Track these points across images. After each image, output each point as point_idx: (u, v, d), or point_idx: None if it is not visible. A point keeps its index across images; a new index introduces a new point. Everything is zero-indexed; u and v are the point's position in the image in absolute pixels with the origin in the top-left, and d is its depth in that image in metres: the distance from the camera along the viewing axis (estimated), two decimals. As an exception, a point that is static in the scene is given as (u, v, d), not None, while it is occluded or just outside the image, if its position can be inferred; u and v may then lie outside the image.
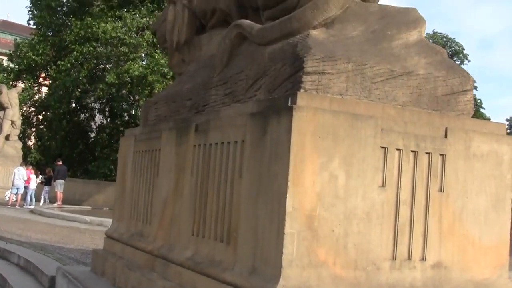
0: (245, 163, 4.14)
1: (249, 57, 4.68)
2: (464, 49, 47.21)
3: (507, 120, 56.29)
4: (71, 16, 32.34)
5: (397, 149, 3.96)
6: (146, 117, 6.83)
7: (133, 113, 35.89)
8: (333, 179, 3.75)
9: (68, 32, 31.43)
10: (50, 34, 35.15)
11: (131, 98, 34.85)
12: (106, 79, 25.66)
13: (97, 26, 27.87)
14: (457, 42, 46.77)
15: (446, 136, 4.12)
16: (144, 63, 26.32)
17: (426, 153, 4.05)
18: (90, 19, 28.68)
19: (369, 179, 3.87)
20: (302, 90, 3.89)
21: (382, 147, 3.90)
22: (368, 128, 3.84)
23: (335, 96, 3.96)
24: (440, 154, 4.09)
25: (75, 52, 30.23)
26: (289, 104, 3.76)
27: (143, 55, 28.31)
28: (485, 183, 4.27)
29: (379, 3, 4.83)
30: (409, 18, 4.52)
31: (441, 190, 4.10)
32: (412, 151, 4.01)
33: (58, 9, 35.05)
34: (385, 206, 3.93)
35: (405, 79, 4.20)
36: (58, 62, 31.79)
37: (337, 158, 3.76)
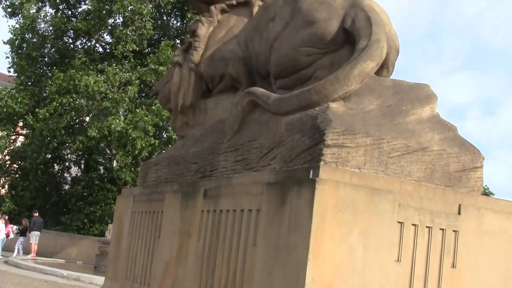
0: (260, 232, 4.14)
1: (263, 125, 4.73)
2: (439, 117, 48.06)
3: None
4: (54, 67, 32.36)
5: (413, 224, 4.00)
6: (145, 178, 6.81)
7: (109, 166, 35.68)
8: (352, 252, 3.76)
9: (50, 83, 31.40)
10: (30, 84, 35.08)
11: (108, 152, 34.70)
12: (88, 133, 25.55)
13: (79, 78, 27.88)
14: (432, 110, 47.64)
15: (459, 213, 4.17)
16: (125, 118, 26.25)
17: (440, 229, 4.09)
18: (73, 71, 28.70)
19: (385, 253, 3.89)
20: (322, 163, 3.93)
21: (399, 222, 3.94)
22: (387, 203, 3.89)
23: (354, 170, 4.01)
24: (454, 231, 4.14)
25: (54, 103, 30.10)
26: (311, 176, 3.80)
27: (121, 111, 28.24)
28: (495, 260, 4.31)
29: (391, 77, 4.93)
30: (422, 94, 4.63)
31: (453, 266, 4.13)
32: (427, 227, 4.05)
33: (40, 59, 35.08)
34: (400, 280, 3.94)
35: (420, 155, 4.28)
36: (37, 110, 31.61)
37: (356, 231, 3.78)
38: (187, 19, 29.93)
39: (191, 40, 6.49)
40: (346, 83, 4.22)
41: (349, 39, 4.65)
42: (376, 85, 4.56)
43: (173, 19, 32.45)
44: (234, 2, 6.25)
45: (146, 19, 26.75)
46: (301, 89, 4.44)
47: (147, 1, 27.04)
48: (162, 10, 30.51)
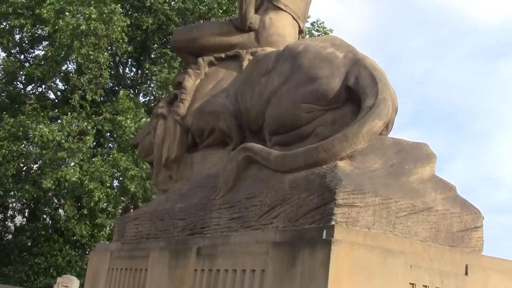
0: (266, 294, 3.99)
1: (263, 182, 4.62)
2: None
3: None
4: (4, 112, 31.52)
5: (424, 286, 3.93)
6: (122, 233, 6.57)
7: (55, 216, 34.60)
8: (366, 316, 3.65)
9: (-2, 128, 30.50)
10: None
11: (56, 201, 33.73)
12: (43, 185, 24.76)
13: (30, 126, 27.14)
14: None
15: (466, 273, 4.13)
16: (80, 168, 25.55)
17: (449, 290, 4.04)
18: (23, 117, 27.98)
19: (398, 317, 3.79)
20: (333, 223, 3.84)
21: (411, 283, 3.87)
22: (399, 264, 3.81)
23: (363, 230, 3.93)
24: (462, 292, 4.09)
25: (4, 150, 29.17)
26: (324, 236, 3.70)
27: (75, 161, 27.48)
28: (499, 322, 4.27)
29: (389, 135, 4.92)
30: (422, 153, 4.62)
31: (461, 329, 4.07)
32: (436, 288, 3.98)
33: (-11, 104, 34.13)
34: None
35: (426, 215, 4.24)
36: (-17, 158, 30.56)
37: (370, 294, 3.68)
38: (143, 69, 29.78)
39: (177, 92, 6.37)
40: (355, 141, 4.17)
41: (352, 97, 4.63)
42: (378, 143, 4.53)
43: (128, 69, 32.22)
44: (223, 55, 6.18)
45: (103, 67, 26.47)
46: (306, 146, 4.37)
47: (103, 50, 26.77)
48: (118, 59, 30.29)
